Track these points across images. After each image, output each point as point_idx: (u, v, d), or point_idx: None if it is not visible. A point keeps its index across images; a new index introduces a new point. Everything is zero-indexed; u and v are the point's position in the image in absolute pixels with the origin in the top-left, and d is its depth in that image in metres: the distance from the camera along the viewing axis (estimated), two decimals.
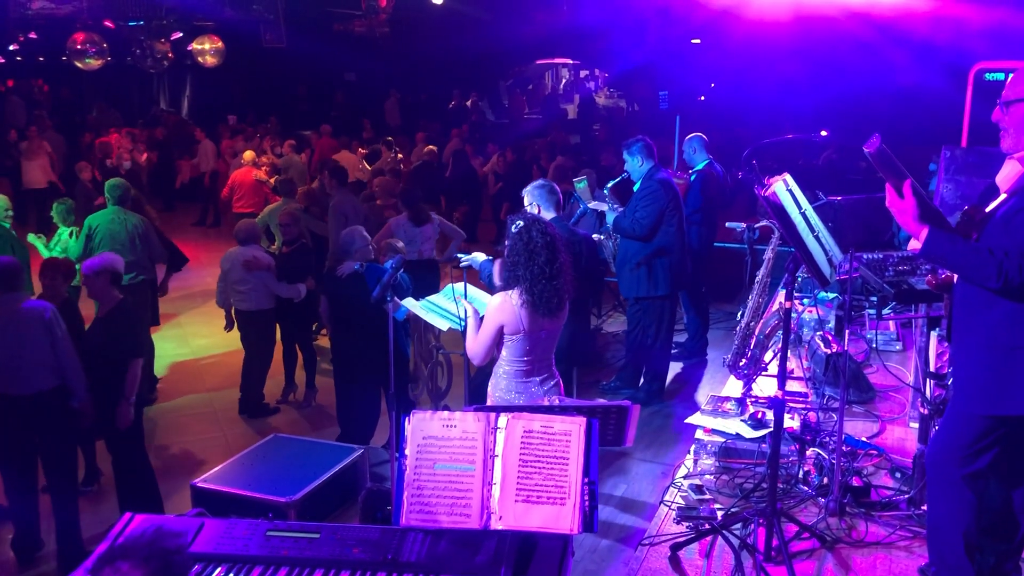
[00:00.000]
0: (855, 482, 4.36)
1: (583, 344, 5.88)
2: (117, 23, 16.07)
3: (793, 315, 4.12)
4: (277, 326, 7.38)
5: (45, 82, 22.21)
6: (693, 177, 7.75)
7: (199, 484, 5.19)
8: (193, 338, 9.09)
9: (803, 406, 5.24)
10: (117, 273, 5.34)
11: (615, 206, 6.88)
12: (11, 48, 19.54)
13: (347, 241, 6.19)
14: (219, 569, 2.62)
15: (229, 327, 7.28)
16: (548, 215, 5.47)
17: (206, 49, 16.10)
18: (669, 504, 4.44)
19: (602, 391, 6.98)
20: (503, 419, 2.85)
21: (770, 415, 4.73)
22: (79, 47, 14.65)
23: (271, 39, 16.11)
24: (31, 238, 7.44)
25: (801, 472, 4.55)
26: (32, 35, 17.71)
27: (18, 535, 5.14)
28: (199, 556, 2.65)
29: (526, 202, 5.62)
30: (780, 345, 3.89)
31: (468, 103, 19.13)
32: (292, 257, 7.18)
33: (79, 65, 14.96)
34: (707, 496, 4.44)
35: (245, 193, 10.84)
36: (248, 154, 11.85)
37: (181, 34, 16.72)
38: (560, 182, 6.69)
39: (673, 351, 7.42)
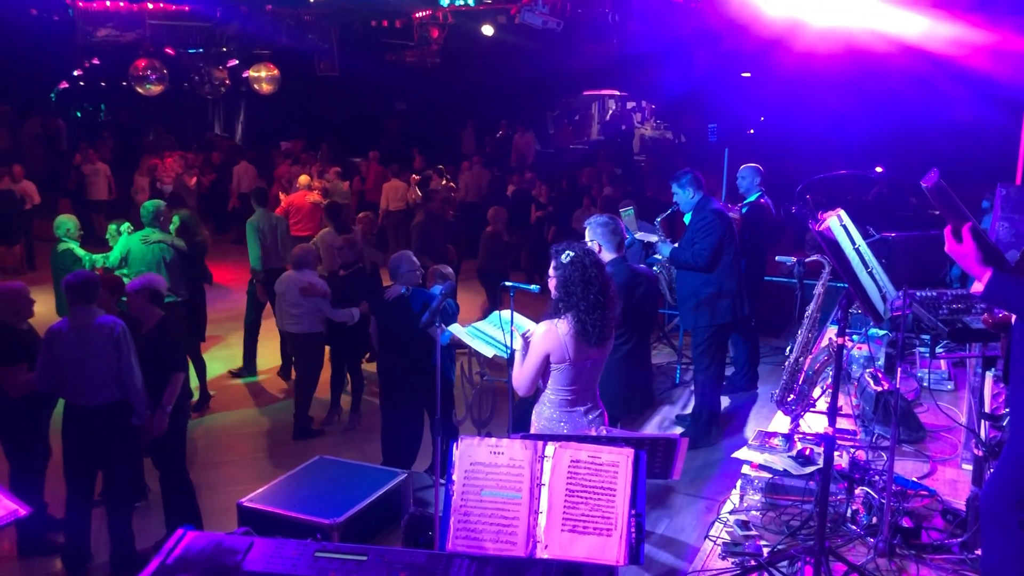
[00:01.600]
0: (905, 523, 4.28)
1: (645, 387, 5.73)
2: (177, 50, 16.53)
3: (843, 351, 4.08)
4: (326, 349, 7.49)
5: (106, 106, 22.85)
6: (744, 210, 7.72)
7: (246, 503, 5.25)
8: (241, 359, 9.23)
9: (852, 444, 5.16)
10: (157, 292, 5.52)
11: (665, 238, 6.88)
12: (75, 73, 20.16)
13: (395, 265, 6.28)
14: None
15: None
16: (608, 256, 5.33)
17: (262, 76, 16.48)
18: (714, 539, 4.39)
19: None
20: (550, 447, 2.86)
21: (818, 451, 4.67)
22: (141, 73, 15.10)
23: (325, 68, 16.43)
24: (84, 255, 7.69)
25: (849, 511, 4.47)
26: (95, 61, 18.27)
27: (69, 546, 5.25)
28: (249, 574, 2.68)
29: (587, 237, 5.44)
30: (829, 381, 3.85)
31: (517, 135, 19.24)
32: (348, 281, 7.32)
33: (140, 90, 15.41)
34: (753, 532, 4.38)
35: (302, 217, 11.08)
36: (303, 178, 12.13)
37: (238, 61, 17.14)
38: (608, 212, 6.73)
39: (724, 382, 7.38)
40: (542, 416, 4.19)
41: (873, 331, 6.34)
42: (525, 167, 16.30)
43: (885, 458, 4.37)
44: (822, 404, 5.18)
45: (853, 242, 3.71)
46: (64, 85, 21.31)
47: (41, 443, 5.56)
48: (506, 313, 5.31)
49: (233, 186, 15.68)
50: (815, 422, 5.24)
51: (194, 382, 7.52)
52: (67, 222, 7.68)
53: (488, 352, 5.61)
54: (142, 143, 19.98)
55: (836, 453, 4.72)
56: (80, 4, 14.58)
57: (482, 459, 2.87)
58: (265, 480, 5.71)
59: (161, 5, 15.00)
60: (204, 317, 8.36)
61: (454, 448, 2.90)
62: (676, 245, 6.74)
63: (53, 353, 5.03)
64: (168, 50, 16.29)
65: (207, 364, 8.12)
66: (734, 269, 6.69)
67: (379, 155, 16.12)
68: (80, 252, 7.59)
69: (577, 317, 4.00)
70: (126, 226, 7.97)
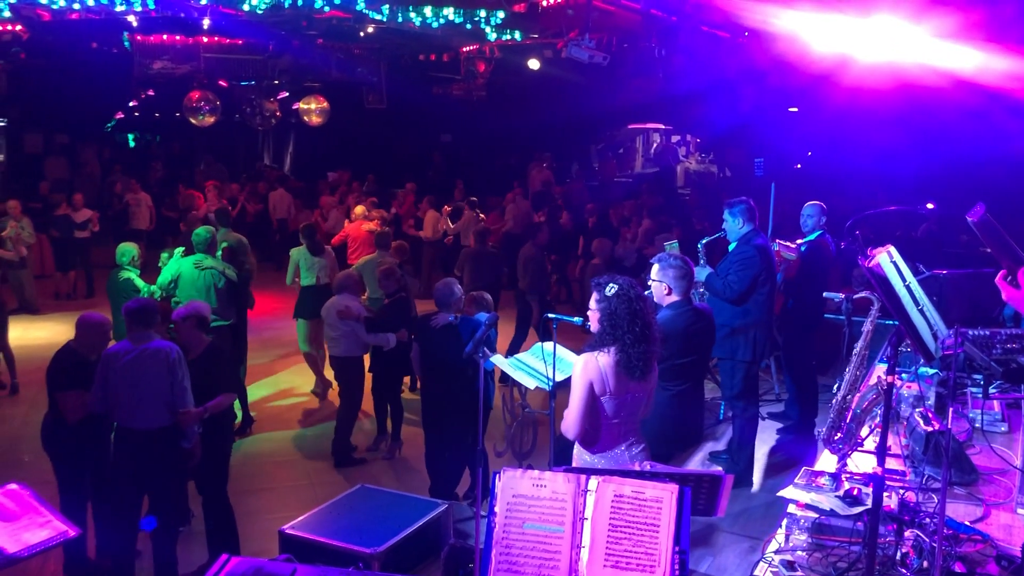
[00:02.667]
0: (958, 568, 4.15)
1: (697, 426, 5.64)
2: (230, 82, 16.92)
3: (893, 390, 4.00)
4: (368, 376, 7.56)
5: (160, 136, 23.42)
6: (804, 248, 7.59)
7: (287, 531, 5.28)
8: (284, 384, 9.34)
9: (901, 485, 5.04)
10: (203, 318, 5.62)
11: (704, 262, 6.83)
12: (131, 104, 20.72)
13: (446, 293, 6.33)
14: None
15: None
16: (673, 298, 5.22)
17: (312, 109, 16.79)
18: None
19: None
20: (594, 481, 2.84)
21: (866, 491, 4.56)
22: (194, 104, 15.48)
23: (373, 100, 16.72)
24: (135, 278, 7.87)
25: (899, 554, 4.35)
26: (151, 92, 18.77)
27: (114, 569, 5.30)
28: None
29: (654, 275, 5.28)
30: (878, 420, 3.77)
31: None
32: (389, 309, 7.43)
33: (193, 121, 15.79)
34: (799, 573, 4.28)
35: (359, 245, 11.54)
36: (359, 208, 12.56)
37: (288, 94, 17.49)
38: (647, 245, 6.75)
39: (788, 423, 7.28)
40: (584, 450, 4.16)
41: (923, 370, 6.21)
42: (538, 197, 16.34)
43: (936, 500, 4.26)
44: (870, 443, 5.07)
45: (903, 279, 3.65)
46: (120, 116, 21.89)
47: (92, 468, 5.61)
48: (549, 345, 5.31)
49: (271, 213, 16.09)
50: (863, 462, 5.13)
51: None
52: (131, 250, 7.92)
53: (530, 384, 5.60)
54: (193, 173, 20.41)
55: (885, 494, 4.61)
56: (138, 37, 15.02)
57: (524, 492, 2.85)
58: (306, 508, 5.73)
59: (216, 39, 15.39)
60: (245, 342, 8.52)
61: (496, 480, 2.89)
62: (712, 271, 6.69)
63: (108, 376, 5.13)
64: (221, 82, 16.70)
65: (252, 391, 8.23)
66: (766, 308, 6.60)
67: (415, 186, 16.33)
68: (139, 283, 7.79)
69: (622, 350, 3.98)
70: (180, 250, 8.17)
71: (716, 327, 6.72)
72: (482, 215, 14.47)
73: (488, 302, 6.77)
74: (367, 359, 7.69)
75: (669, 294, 5.22)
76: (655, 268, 5.34)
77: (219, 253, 8.05)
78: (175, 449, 5.20)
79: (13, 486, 3.69)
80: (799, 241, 7.73)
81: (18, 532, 3.45)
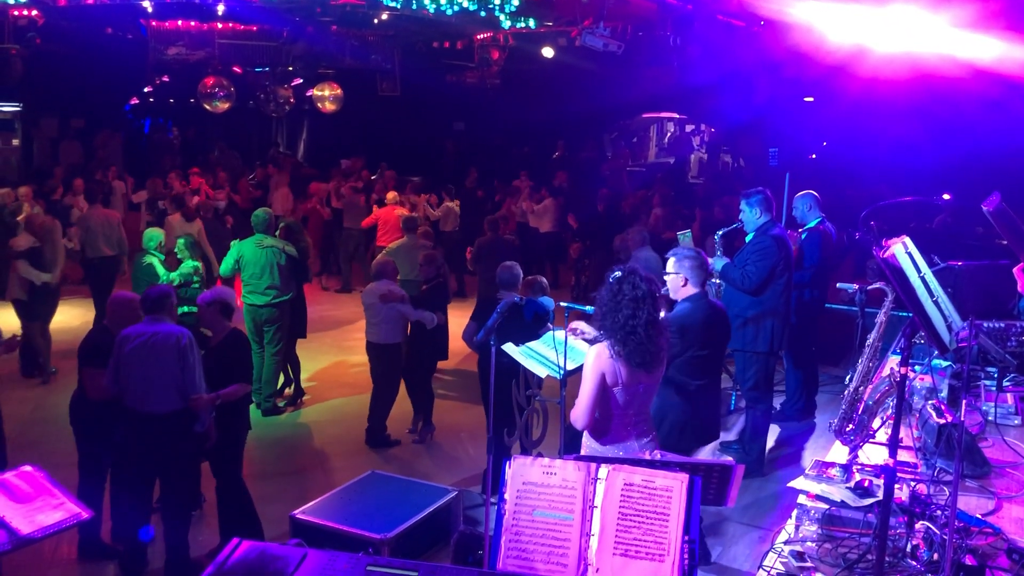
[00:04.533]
0: (968, 561, 4.13)
1: (713, 422, 5.61)
2: (244, 69, 16.94)
3: (906, 382, 3.98)
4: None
5: (174, 123, 23.47)
6: (804, 236, 7.61)
7: (298, 515, 5.31)
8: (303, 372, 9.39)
9: (913, 477, 5.02)
10: (227, 305, 5.60)
11: (720, 252, 6.81)
12: (146, 90, 20.78)
13: (509, 275, 6.50)
14: None
15: None
16: (690, 290, 5.19)
17: (326, 95, 16.80)
18: (768, 570, 4.30)
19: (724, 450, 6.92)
20: (604, 470, 2.84)
21: (877, 483, 4.55)
22: (209, 90, 15.50)
23: (387, 87, 16.70)
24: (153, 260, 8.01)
25: (909, 546, 4.33)
26: (166, 78, 18.82)
27: (126, 552, 5.34)
28: None
29: (671, 268, 5.24)
30: (890, 412, 3.76)
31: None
32: (429, 294, 7.59)
33: (207, 107, 15.82)
34: (808, 564, 4.28)
35: (389, 229, 12.01)
36: (391, 194, 12.89)
37: (302, 80, 17.49)
38: (663, 232, 6.75)
39: (773, 411, 7.25)
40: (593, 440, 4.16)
41: (937, 362, 6.17)
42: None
43: (947, 493, 4.25)
44: (882, 435, 5.05)
45: (918, 270, 3.63)
46: (135, 101, 21.95)
47: (113, 449, 5.63)
48: (560, 334, 5.30)
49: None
50: (874, 453, 5.11)
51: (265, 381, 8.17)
52: (157, 235, 8.13)
53: (541, 372, 5.60)
54: (207, 159, 20.46)
55: (896, 486, 4.60)
56: (153, 23, 15.05)
57: (534, 479, 2.86)
58: (317, 493, 5.77)
59: (230, 25, 15.40)
60: (305, 315, 8.78)
61: (507, 467, 2.89)
62: (729, 261, 6.66)
63: (119, 359, 5.17)
64: (235, 68, 16.71)
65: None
66: (782, 299, 6.57)
67: (394, 174, 16.31)
68: (160, 269, 7.93)
69: (618, 339, 3.95)
70: (192, 239, 8.31)
71: (730, 317, 6.72)
72: (453, 202, 14.42)
73: (544, 285, 6.84)
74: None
75: (685, 285, 5.17)
76: (670, 262, 5.29)
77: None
78: (186, 433, 5.23)
79: (27, 468, 3.72)
80: (800, 231, 7.72)
81: (32, 514, 3.47)
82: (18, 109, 20.05)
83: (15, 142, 20.09)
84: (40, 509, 3.51)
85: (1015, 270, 3.03)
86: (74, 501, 3.64)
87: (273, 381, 8.24)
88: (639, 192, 15.01)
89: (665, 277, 5.29)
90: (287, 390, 8.62)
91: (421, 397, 7.72)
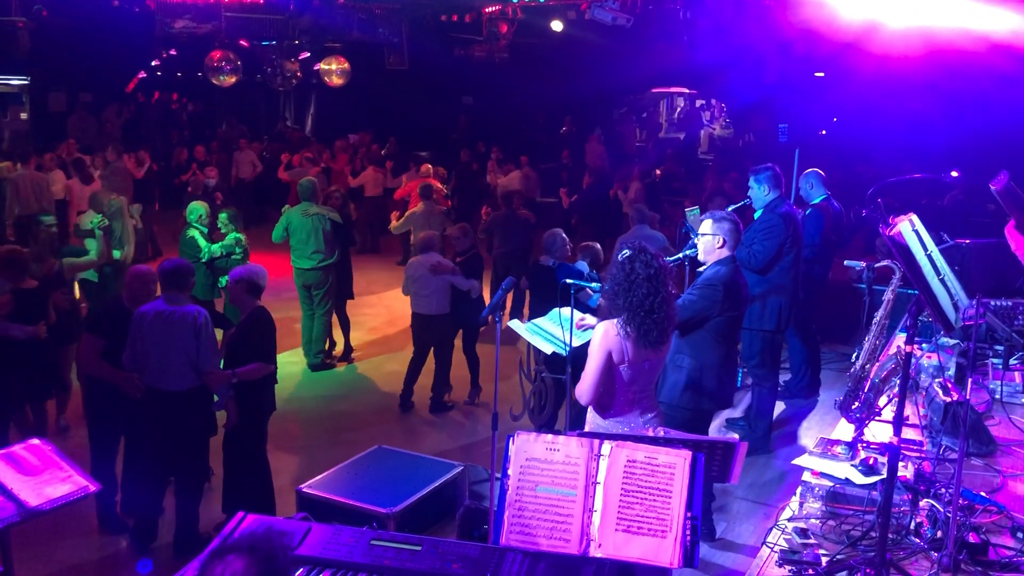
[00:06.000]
0: (972, 538, 4.14)
1: (730, 391, 5.59)
2: (251, 42, 16.85)
3: (912, 360, 3.97)
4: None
5: (181, 96, 23.42)
6: (808, 212, 7.58)
7: (304, 489, 5.35)
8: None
9: (918, 455, 5.02)
10: (254, 284, 5.51)
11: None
12: (153, 64, 20.71)
13: (549, 240, 6.88)
14: (324, 573, 2.69)
15: None
16: (724, 252, 5.13)
17: (333, 69, 16.69)
18: (772, 546, 4.31)
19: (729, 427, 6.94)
20: (607, 446, 2.85)
21: (882, 461, 4.55)
22: (216, 64, 15.43)
23: (394, 61, 16.59)
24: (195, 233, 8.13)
25: (913, 523, 4.34)
26: (172, 52, 18.74)
27: (138, 524, 5.39)
28: (306, 559, 2.73)
29: (707, 229, 5.17)
30: (896, 390, 3.75)
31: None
32: (465, 264, 7.89)
33: (214, 81, 15.74)
34: (812, 541, 4.29)
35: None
36: (426, 166, 13.22)
37: (309, 54, 17.40)
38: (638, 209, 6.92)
39: (779, 388, 7.26)
40: (598, 415, 4.17)
41: (943, 340, 6.15)
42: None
43: (952, 471, 4.25)
44: (887, 413, 5.05)
45: (925, 248, 3.61)
46: (142, 75, 21.90)
47: (125, 422, 5.65)
48: (566, 310, 5.29)
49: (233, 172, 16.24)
50: (880, 431, 5.11)
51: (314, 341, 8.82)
52: (199, 208, 8.24)
53: (547, 349, 5.61)
54: (215, 133, 20.43)
55: (901, 463, 4.60)
56: None
57: (538, 455, 2.87)
58: (324, 468, 5.80)
59: None
60: (351, 277, 9.30)
61: (510, 443, 2.90)
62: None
63: (136, 335, 5.18)
64: (242, 42, 16.62)
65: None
66: (790, 276, 6.55)
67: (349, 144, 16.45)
68: (202, 242, 8.06)
69: (626, 318, 3.95)
70: (232, 211, 8.59)
71: None
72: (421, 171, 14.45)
73: (596, 252, 6.99)
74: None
75: (722, 247, 5.11)
76: (707, 223, 5.20)
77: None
78: (202, 411, 5.24)
79: (35, 441, 3.75)
80: (806, 208, 7.69)
81: (40, 486, 3.51)
82: (26, 83, 20.02)
83: (23, 116, 20.09)
84: (48, 482, 3.55)
85: (1006, 229, 3.00)
86: (81, 474, 3.68)
87: (321, 339, 8.82)
88: (624, 169, 14.89)
89: (698, 239, 5.26)
90: (335, 350, 9.15)
91: (471, 362, 8.05)
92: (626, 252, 4.02)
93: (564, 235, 7.04)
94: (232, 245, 8.13)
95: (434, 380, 7.81)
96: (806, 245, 7.39)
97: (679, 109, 24.56)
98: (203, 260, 7.93)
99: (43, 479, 3.54)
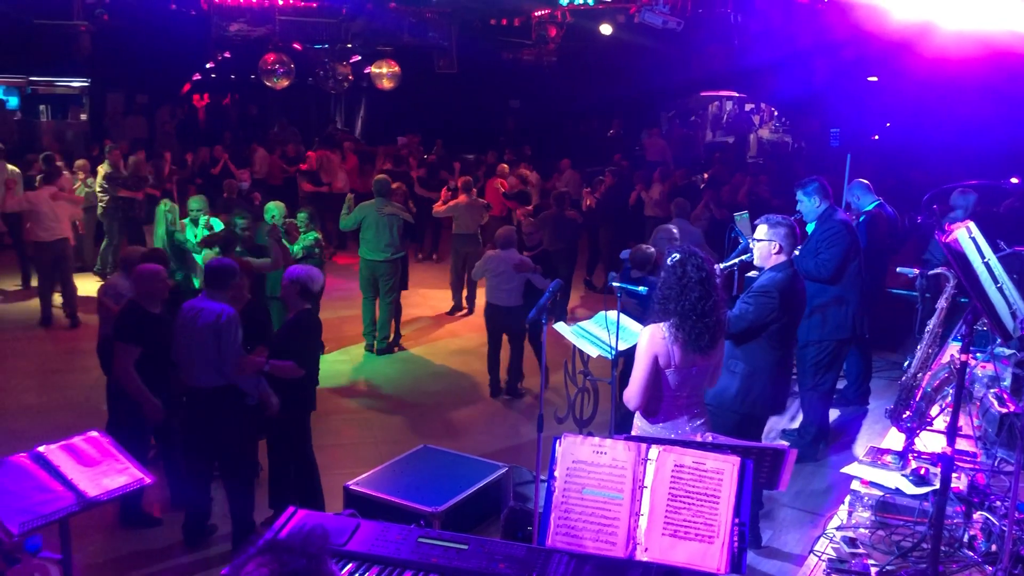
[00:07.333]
0: None
1: (783, 397, 5.56)
2: (304, 45, 17.10)
3: (966, 369, 3.89)
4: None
5: (234, 98, 23.81)
6: (862, 219, 7.48)
7: (352, 487, 5.40)
8: (348, 346, 9.56)
9: (971, 466, 4.92)
10: (307, 288, 5.55)
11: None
12: (208, 67, 21.09)
13: (644, 256, 7.05)
14: (373, 569, 2.73)
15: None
16: (781, 258, 5.09)
17: (383, 73, 16.88)
18: (819, 555, 4.27)
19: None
20: (654, 451, 2.85)
21: (934, 471, 4.47)
22: (269, 67, 15.68)
23: (444, 65, 16.73)
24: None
25: (966, 536, 4.26)
26: (227, 55, 19.08)
27: (189, 519, 5.48)
28: (355, 555, 2.77)
29: (763, 235, 5.12)
30: (949, 400, 3.69)
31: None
32: (536, 260, 8.24)
33: (268, 83, 16.00)
34: (861, 551, 4.23)
35: (493, 201, 12.68)
36: (502, 167, 13.46)
37: (360, 57, 17.60)
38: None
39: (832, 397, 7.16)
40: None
41: (1000, 350, 6.02)
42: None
43: (1007, 483, 4.16)
44: (940, 423, 4.96)
45: (982, 255, 3.54)
46: (197, 77, 22.31)
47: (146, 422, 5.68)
48: (612, 314, 5.29)
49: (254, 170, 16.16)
50: (931, 441, 5.03)
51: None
52: (273, 208, 8.54)
53: (593, 352, 5.61)
54: (267, 135, 20.74)
55: (954, 475, 4.52)
56: (215, 0, 15.25)
57: (584, 458, 2.88)
58: (370, 465, 5.85)
59: (291, 2, 15.55)
60: (407, 271, 10.04)
61: (557, 445, 2.91)
62: (795, 253, 6.56)
63: (176, 332, 5.28)
64: (296, 45, 16.87)
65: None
66: (857, 282, 6.51)
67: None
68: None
69: (676, 323, 3.94)
70: (311, 211, 8.83)
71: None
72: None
73: (670, 240, 7.13)
74: None
75: (779, 253, 5.07)
76: (763, 228, 5.15)
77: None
78: (235, 406, 5.26)
79: (94, 433, 3.85)
80: (859, 215, 7.58)
81: (98, 477, 3.60)
82: (86, 84, 20.53)
83: (83, 116, 20.60)
84: (105, 473, 3.64)
85: None
86: (137, 466, 3.77)
87: (386, 325, 9.40)
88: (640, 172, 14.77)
89: (755, 244, 5.22)
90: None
91: (537, 352, 8.22)
92: (676, 256, 4.00)
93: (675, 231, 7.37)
94: (311, 245, 8.37)
95: (509, 367, 8.25)
96: (863, 252, 7.29)
97: (728, 112, 24.37)
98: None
99: (101, 470, 3.63)
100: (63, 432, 3.83)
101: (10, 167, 11.91)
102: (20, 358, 8.94)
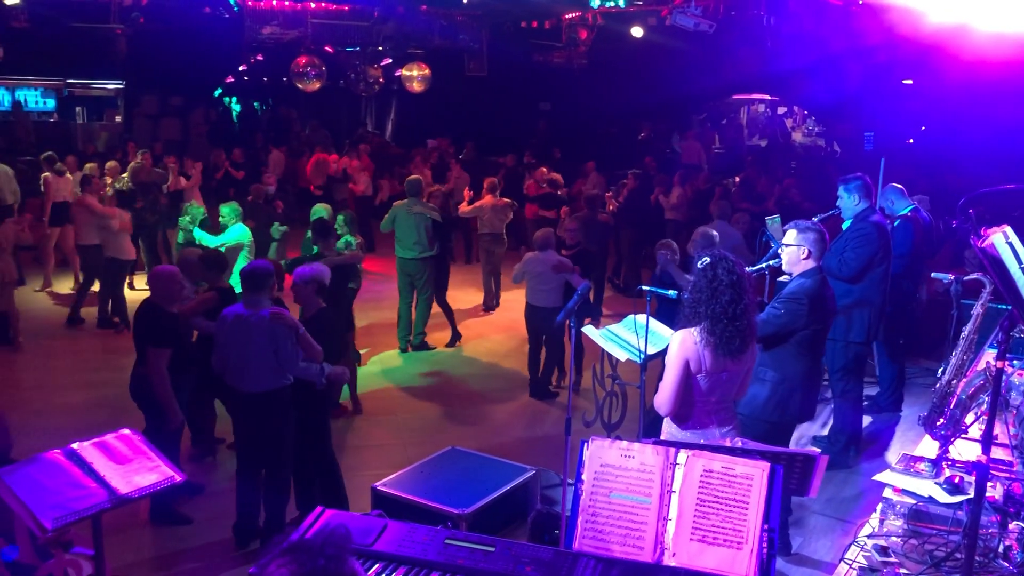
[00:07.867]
0: None
1: (812, 404, 5.47)
2: (336, 48, 17.22)
3: (1003, 377, 3.83)
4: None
5: (265, 101, 24.05)
6: (897, 223, 7.38)
7: (379, 488, 5.42)
8: (372, 348, 9.61)
9: (1007, 475, 4.84)
10: (323, 285, 5.67)
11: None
12: (240, 69, 21.31)
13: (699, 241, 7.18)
14: (400, 569, 2.74)
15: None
16: (810, 263, 5.04)
17: (414, 75, 16.95)
18: (850, 563, 4.21)
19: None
20: (683, 455, 2.83)
21: (968, 480, 4.40)
22: (301, 70, 15.82)
23: (474, 67, 16.76)
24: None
25: (1002, 546, 4.19)
26: (259, 57, 19.28)
27: (239, 519, 5.52)
28: (382, 555, 2.78)
29: (792, 240, 5.08)
30: (984, 407, 3.63)
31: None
32: (575, 259, 8.36)
33: (299, 86, 16.15)
34: (892, 559, 4.17)
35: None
36: (542, 170, 13.73)
37: (391, 60, 17.69)
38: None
39: (864, 404, 7.07)
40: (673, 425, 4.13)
41: None
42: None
43: None
44: (975, 431, 4.88)
45: (1019, 261, 3.47)
46: (230, 80, 22.55)
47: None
48: (641, 318, 5.26)
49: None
50: (965, 449, 4.95)
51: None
52: (318, 211, 8.91)
53: (621, 356, 5.58)
54: (298, 137, 20.90)
55: (989, 484, 4.44)
56: (248, 3, 15.40)
57: (612, 461, 2.86)
58: (397, 466, 5.87)
59: (323, 5, 15.66)
60: (448, 271, 10.18)
61: (585, 448, 2.90)
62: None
63: (219, 339, 5.33)
64: (327, 48, 17.00)
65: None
66: (881, 287, 6.40)
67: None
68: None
69: (707, 327, 3.91)
70: (350, 215, 8.89)
71: None
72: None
73: (712, 239, 7.16)
74: None
75: (807, 258, 5.02)
76: (792, 233, 5.11)
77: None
78: (281, 412, 5.32)
79: (126, 431, 3.89)
80: (894, 219, 7.48)
81: (130, 474, 3.64)
82: (121, 87, 20.82)
83: (118, 119, 20.91)
84: (137, 471, 3.68)
85: None
86: (168, 464, 3.81)
87: (422, 322, 9.67)
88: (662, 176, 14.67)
89: (782, 249, 5.17)
90: (426, 337, 9.82)
91: (576, 350, 8.27)
92: (707, 259, 3.97)
93: (714, 232, 7.32)
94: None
95: (544, 367, 8.38)
96: (895, 257, 7.20)
97: (760, 116, 24.19)
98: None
99: (132, 468, 3.67)
100: (99, 430, 3.87)
101: (2, 166, 12.50)
102: (60, 358, 9.14)
